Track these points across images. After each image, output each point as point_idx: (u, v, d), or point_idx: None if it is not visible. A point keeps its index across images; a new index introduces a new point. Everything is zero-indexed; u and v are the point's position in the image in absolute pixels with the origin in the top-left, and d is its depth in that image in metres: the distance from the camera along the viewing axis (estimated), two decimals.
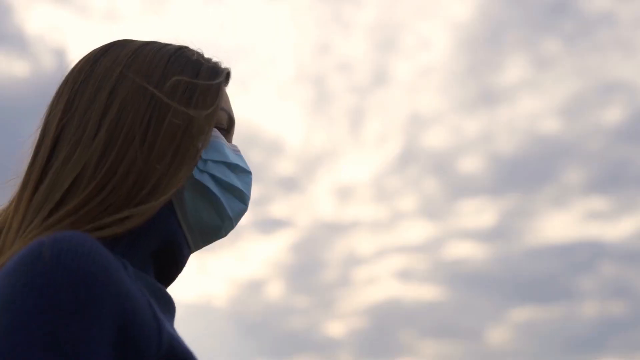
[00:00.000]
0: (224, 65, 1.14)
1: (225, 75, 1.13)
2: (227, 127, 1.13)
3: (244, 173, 1.12)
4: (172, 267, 1.08)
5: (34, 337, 0.80)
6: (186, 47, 1.12)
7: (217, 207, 1.08)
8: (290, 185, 7.97)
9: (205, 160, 1.07)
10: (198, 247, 1.11)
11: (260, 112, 7.59)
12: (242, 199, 1.12)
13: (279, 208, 8.01)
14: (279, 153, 7.99)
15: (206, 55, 1.14)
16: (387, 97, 8.49)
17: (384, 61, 8.50)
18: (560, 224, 8.65)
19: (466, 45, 8.66)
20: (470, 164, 8.68)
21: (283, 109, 8.18)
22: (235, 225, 1.13)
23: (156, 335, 0.90)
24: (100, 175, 0.98)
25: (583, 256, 8.54)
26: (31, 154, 1.05)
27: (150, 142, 1.01)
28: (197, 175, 1.06)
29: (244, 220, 1.14)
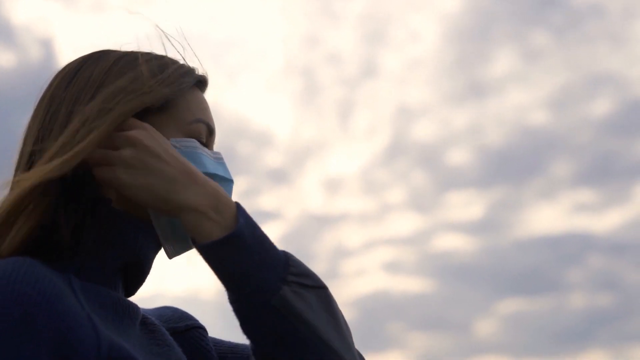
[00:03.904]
0: (200, 72, 1.15)
1: (198, 82, 1.14)
2: (206, 136, 1.12)
3: (225, 182, 1.12)
4: (139, 276, 1.10)
5: None
6: (160, 59, 1.12)
7: None
8: (278, 177, 7.97)
9: None
10: (177, 254, 1.12)
11: (249, 104, 7.57)
12: None
13: (267, 200, 8.00)
14: (267, 145, 7.99)
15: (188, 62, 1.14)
16: (376, 90, 8.49)
17: (372, 53, 8.50)
18: (549, 216, 8.68)
19: (455, 37, 8.67)
20: (459, 157, 8.70)
21: (272, 101, 8.17)
22: None
23: (95, 347, 0.92)
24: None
25: (571, 248, 8.57)
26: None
27: None
28: None
29: None
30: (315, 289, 1.03)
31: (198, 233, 1.00)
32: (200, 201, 1.00)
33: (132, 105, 1.05)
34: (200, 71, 1.15)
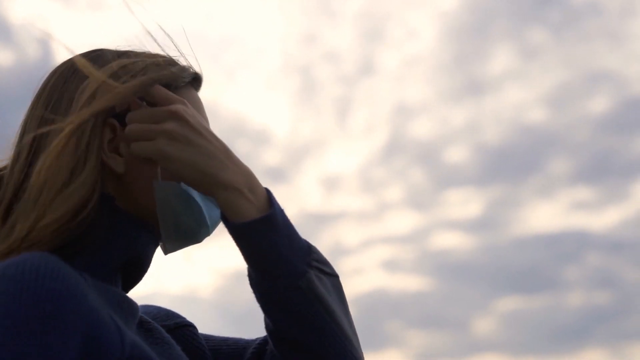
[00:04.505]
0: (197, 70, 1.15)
1: (193, 80, 1.14)
2: None
3: None
4: (138, 273, 1.10)
5: (1, 353, 0.81)
6: (152, 61, 1.11)
7: (197, 215, 1.09)
8: (276, 175, 7.96)
9: None
10: (174, 250, 1.13)
11: (247, 102, 7.57)
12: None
13: None
14: (265, 143, 7.98)
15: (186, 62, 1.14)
16: (374, 87, 8.49)
17: (370, 51, 8.50)
18: (546, 214, 8.69)
19: (453, 35, 8.67)
20: (457, 154, 8.70)
21: (270, 99, 8.17)
22: (212, 232, 1.14)
23: (119, 346, 0.92)
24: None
25: (569, 246, 8.58)
26: (7, 174, 1.05)
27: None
28: (184, 185, 1.07)
29: None
30: (332, 276, 1.07)
31: (233, 211, 1.02)
32: (238, 180, 1.02)
33: (148, 77, 1.06)
34: (195, 69, 1.15)
